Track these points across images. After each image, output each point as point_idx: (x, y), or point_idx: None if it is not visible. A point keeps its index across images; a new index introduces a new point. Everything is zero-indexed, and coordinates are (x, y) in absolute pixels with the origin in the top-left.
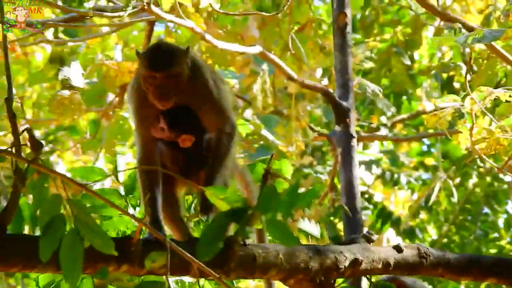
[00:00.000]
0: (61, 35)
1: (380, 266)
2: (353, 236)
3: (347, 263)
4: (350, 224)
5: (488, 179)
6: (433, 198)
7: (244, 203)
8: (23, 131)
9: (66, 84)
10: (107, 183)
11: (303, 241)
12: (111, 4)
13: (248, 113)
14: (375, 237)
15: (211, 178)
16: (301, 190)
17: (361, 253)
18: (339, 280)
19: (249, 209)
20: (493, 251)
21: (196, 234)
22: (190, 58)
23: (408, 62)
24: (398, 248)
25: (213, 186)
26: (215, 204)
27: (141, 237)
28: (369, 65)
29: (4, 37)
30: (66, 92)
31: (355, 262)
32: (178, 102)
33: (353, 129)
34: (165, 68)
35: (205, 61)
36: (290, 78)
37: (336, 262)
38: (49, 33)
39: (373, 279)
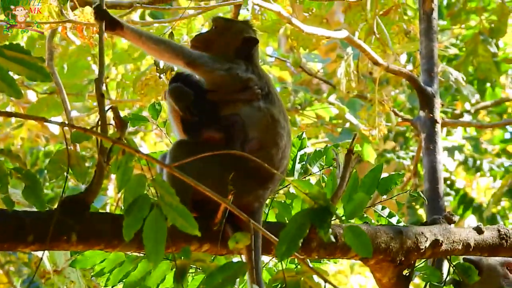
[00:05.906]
0: (147, 17)
1: (460, 247)
2: (434, 217)
3: (427, 244)
4: (432, 210)
5: None
6: None
7: (327, 202)
8: (108, 109)
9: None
10: None
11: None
12: None
13: (333, 97)
14: (456, 218)
15: None
16: (384, 175)
17: (441, 234)
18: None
19: (332, 211)
20: None
21: None
22: None
23: (495, 50)
24: (478, 230)
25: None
26: (298, 195)
27: None
28: (453, 51)
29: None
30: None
31: (436, 243)
32: None
33: (438, 114)
34: None
35: None
36: (375, 62)
37: (417, 242)
38: (135, 15)
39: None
